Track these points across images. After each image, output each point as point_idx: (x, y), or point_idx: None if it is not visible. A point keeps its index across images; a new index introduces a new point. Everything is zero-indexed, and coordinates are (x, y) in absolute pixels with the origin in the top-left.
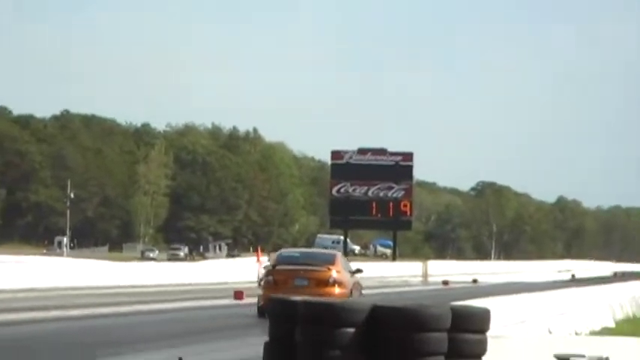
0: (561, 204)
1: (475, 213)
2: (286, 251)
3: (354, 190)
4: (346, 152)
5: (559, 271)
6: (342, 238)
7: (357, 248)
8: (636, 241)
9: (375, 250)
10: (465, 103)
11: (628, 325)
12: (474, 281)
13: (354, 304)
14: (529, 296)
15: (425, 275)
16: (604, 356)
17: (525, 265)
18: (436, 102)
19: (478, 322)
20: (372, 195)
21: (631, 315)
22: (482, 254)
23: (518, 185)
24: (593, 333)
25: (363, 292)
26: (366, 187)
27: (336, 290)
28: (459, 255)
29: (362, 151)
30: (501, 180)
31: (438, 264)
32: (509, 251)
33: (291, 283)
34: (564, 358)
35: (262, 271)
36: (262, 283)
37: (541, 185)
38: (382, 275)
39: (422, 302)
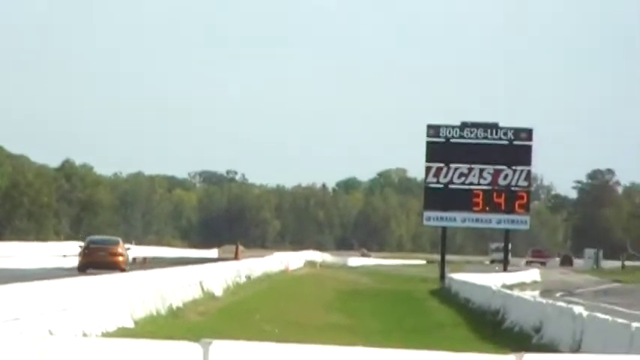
0: (68, 169)
1: None
2: (93, 237)
3: None
4: None
5: (65, 256)
6: None
7: None
8: (155, 215)
9: None
10: None
11: (150, 325)
12: None
13: None
14: (24, 287)
15: None
16: None
17: (19, 247)
18: None
19: None
20: None
21: (154, 312)
22: None
23: (14, 145)
24: (107, 334)
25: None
26: None
27: (120, 258)
28: None
29: None
30: None
31: None
32: (1, 229)
33: (97, 253)
34: None
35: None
36: (81, 253)
37: (44, 146)
38: None
39: None
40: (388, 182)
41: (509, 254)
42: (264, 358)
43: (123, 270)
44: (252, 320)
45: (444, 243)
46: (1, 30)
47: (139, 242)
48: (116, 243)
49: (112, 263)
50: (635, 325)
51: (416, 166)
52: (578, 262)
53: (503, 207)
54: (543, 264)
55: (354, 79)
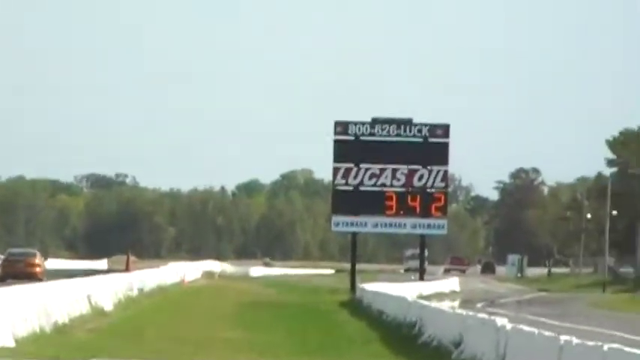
0: None
1: None
2: (13, 250)
3: None
4: None
5: None
6: None
7: None
8: (39, 223)
9: None
10: None
11: (33, 344)
12: None
13: None
14: None
15: None
16: None
17: None
18: None
19: None
20: None
21: (38, 330)
22: None
23: None
24: None
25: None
26: None
27: (38, 269)
28: None
29: None
30: None
31: None
32: None
33: (17, 264)
34: None
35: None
36: (1, 265)
37: None
38: None
39: None
40: (293, 184)
41: (426, 262)
42: None
43: (40, 280)
44: (145, 337)
45: (354, 250)
46: None
47: (47, 255)
48: (34, 255)
49: (30, 274)
50: (563, 338)
51: (323, 167)
52: (500, 269)
53: (418, 210)
54: (463, 272)
55: (260, 72)
